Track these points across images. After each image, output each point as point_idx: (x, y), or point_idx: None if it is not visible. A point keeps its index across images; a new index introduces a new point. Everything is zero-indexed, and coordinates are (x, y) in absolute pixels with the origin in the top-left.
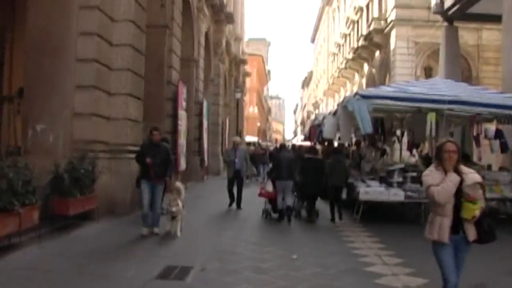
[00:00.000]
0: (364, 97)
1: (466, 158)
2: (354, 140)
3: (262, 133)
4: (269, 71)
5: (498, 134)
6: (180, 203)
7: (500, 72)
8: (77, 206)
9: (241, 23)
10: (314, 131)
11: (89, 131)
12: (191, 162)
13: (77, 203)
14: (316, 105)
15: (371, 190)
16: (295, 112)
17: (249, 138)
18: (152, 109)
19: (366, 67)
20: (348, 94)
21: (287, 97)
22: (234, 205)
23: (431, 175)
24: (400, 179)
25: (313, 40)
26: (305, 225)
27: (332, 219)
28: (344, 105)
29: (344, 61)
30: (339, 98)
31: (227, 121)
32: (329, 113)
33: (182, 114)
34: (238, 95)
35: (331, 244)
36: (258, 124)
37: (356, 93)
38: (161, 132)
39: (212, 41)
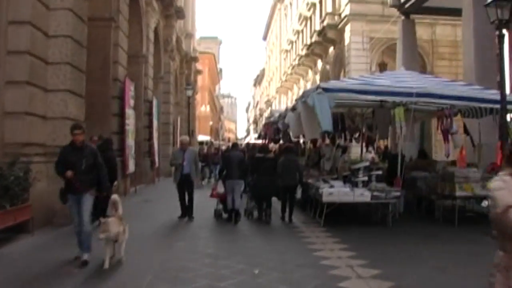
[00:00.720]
0: (327, 90)
1: (423, 155)
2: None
3: (215, 132)
4: (220, 70)
5: (466, 129)
6: (115, 225)
7: (454, 67)
8: (7, 218)
9: (192, 19)
10: (269, 128)
11: (22, 132)
12: (141, 164)
13: (6, 215)
14: (268, 103)
15: (335, 191)
16: (247, 110)
17: (201, 137)
18: (96, 107)
19: (320, 63)
20: (301, 91)
21: (239, 96)
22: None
23: (507, 188)
24: (366, 178)
25: (265, 38)
26: (263, 230)
27: (282, 218)
28: (303, 100)
29: (297, 58)
30: (292, 95)
31: (179, 120)
32: (286, 109)
33: (129, 113)
34: (189, 93)
35: (296, 254)
36: (211, 123)
37: (318, 86)
38: (106, 132)
39: (162, 37)
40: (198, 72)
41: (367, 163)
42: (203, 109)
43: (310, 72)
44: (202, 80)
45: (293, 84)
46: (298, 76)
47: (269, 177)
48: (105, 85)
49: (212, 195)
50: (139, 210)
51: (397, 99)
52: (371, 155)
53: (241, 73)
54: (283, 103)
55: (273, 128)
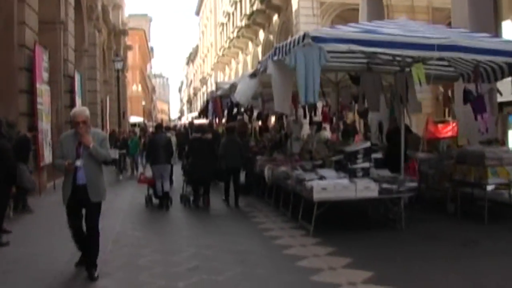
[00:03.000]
0: (318, 40)
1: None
2: (256, 112)
3: (148, 113)
4: (152, 48)
5: (468, 96)
6: None
7: None
8: None
9: None
10: (217, 103)
11: None
12: None
13: None
14: (204, 81)
15: (329, 185)
16: (180, 90)
17: (134, 119)
18: None
19: (262, 34)
20: (240, 66)
21: (171, 76)
22: None
23: None
24: (367, 165)
25: (198, 13)
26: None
27: (226, 201)
28: (278, 59)
29: (236, 30)
30: (230, 71)
31: (108, 100)
32: (242, 76)
33: (42, 89)
34: (118, 65)
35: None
36: (143, 103)
37: (305, 35)
38: (12, 114)
39: (85, 3)
40: (128, 47)
41: (368, 144)
42: (134, 88)
43: (250, 45)
44: (132, 58)
45: (231, 59)
46: (237, 50)
47: (206, 160)
48: (8, 52)
49: (140, 181)
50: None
51: (415, 53)
52: (326, 132)
53: (172, 52)
54: (220, 80)
55: (226, 102)
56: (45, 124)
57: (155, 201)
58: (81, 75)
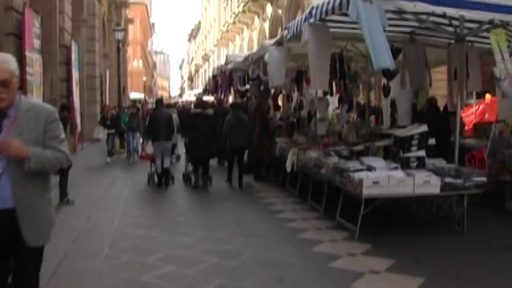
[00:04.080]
0: None
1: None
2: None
3: (148, 89)
4: (153, 24)
5: None
6: None
7: None
8: None
9: None
10: (225, 79)
11: None
12: None
13: None
14: (206, 58)
15: (382, 178)
16: (181, 67)
17: (134, 95)
18: None
19: (269, 8)
20: (245, 42)
21: (172, 53)
22: None
23: None
24: (423, 153)
25: None
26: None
27: (229, 181)
28: (316, 23)
29: (242, 4)
30: (233, 47)
31: (107, 74)
32: (262, 46)
33: (32, 57)
34: (119, 35)
35: None
36: (144, 78)
37: None
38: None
39: None
40: (129, 21)
41: (425, 128)
42: (135, 64)
43: (256, 20)
44: (133, 33)
45: (235, 35)
46: (242, 25)
47: (205, 137)
48: None
49: (141, 157)
50: None
51: (496, 16)
52: (337, 110)
53: (174, 29)
54: (223, 56)
55: (237, 76)
56: (35, 98)
57: (156, 179)
58: (78, 46)
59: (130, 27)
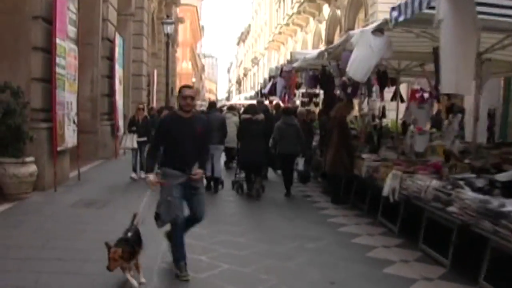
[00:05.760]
0: None
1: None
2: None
3: (196, 92)
4: (202, 27)
5: None
6: None
7: None
8: None
9: None
10: (291, 79)
11: None
12: (96, 130)
13: None
14: (255, 61)
15: None
16: (229, 71)
17: None
18: None
19: (326, 9)
20: (298, 45)
21: (220, 56)
22: None
23: None
24: None
25: None
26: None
27: (287, 194)
28: None
29: (297, 4)
30: (286, 50)
31: (155, 74)
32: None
33: (65, 47)
34: (168, 29)
35: None
36: (194, 79)
37: None
38: (19, 78)
39: None
40: (180, 20)
41: None
42: (184, 65)
43: (311, 21)
44: (183, 34)
45: (288, 37)
46: (296, 27)
47: (257, 143)
48: None
49: None
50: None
51: None
52: None
53: (223, 32)
54: (274, 60)
55: (309, 75)
56: (67, 95)
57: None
58: (124, 41)
59: (180, 28)
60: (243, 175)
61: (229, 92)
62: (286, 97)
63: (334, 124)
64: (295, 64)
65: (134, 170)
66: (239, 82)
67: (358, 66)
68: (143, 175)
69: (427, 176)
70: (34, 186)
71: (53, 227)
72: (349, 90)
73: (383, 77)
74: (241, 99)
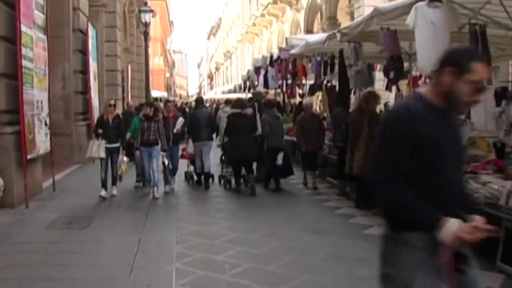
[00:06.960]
0: None
1: None
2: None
3: (168, 88)
4: (172, 22)
5: None
6: None
7: None
8: None
9: None
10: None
11: None
12: (71, 132)
13: None
14: (228, 55)
15: None
16: (199, 66)
17: (155, 93)
18: None
19: None
20: (274, 36)
21: (190, 52)
22: None
23: None
24: None
25: None
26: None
27: (265, 185)
28: None
29: None
30: (260, 42)
31: (129, 70)
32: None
33: (32, 36)
34: (146, 17)
35: None
36: (167, 75)
37: None
38: None
39: None
40: (152, 13)
41: None
42: (156, 61)
43: (288, 10)
44: (154, 30)
45: (262, 29)
46: (271, 18)
47: (247, 138)
48: None
49: (182, 156)
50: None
51: None
52: None
53: (191, 28)
54: (248, 52)
55: (316, 62)
56: (37, 92)
57: (195, 178)
58: (96, 32)
59: (150, 24)
60: (230, 169)
61: (201, 87)
62: (288, 89)
63: (363, 118)
64: (294, 51)
65: (104, 186)
66: (210, 77)
67: (425, 54)
68: (115, 191)
69: (492, 176)
70: (0, 203)
71: (26, 261)
72: (391, 74)
73: (398, 62)
74: (217, 94)
